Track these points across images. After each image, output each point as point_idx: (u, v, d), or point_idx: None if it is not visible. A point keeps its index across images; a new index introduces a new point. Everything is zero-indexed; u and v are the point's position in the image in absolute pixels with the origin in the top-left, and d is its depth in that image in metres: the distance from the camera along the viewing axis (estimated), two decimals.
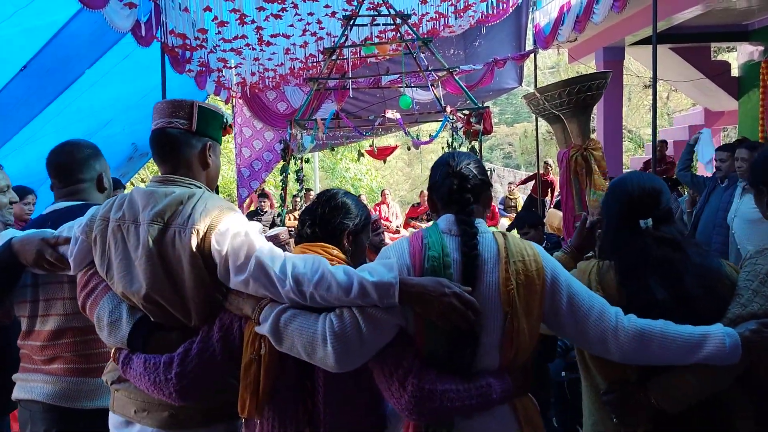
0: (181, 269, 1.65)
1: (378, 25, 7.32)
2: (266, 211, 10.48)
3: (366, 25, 7.18)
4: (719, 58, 12.71)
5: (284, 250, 1.71)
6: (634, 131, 23.60)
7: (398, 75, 7.41)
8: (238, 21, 7.02)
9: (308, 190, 11.55)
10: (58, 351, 2.11)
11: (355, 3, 6.87)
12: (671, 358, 1.60)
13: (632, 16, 9.13)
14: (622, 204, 1.80)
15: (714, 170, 5.54)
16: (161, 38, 6.29)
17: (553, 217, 9.42)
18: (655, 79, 7.30)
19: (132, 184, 16.44)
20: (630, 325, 1.60)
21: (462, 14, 8.74)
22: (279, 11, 7.01)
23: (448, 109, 6.40)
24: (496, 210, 12.04)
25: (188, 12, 6.85)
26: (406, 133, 6.76)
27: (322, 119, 6.26)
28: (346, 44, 6.73)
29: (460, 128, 6.35)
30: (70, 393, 2.08)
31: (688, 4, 8.06)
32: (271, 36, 7.70)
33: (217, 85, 9.74)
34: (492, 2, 8.75)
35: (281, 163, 6.73)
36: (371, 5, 6.88)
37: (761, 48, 10.29)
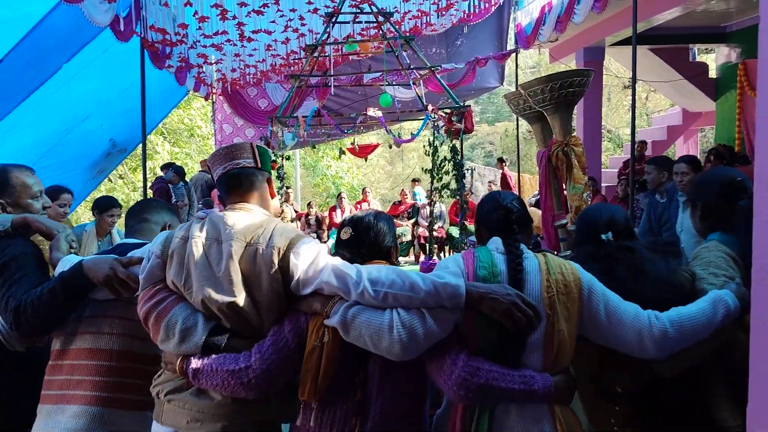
0: (260, 283, 1.82)
1: (360, 22, 7.30)
2: None
3: (348, 22, 7.16)
4: (697, 59, 12.88)
5: None
6: (614, 131, 23.87)
7: (380, 73, 7.40)
8: (219, 16, 6.98)
9: (288, 188, 11.52)
10: (86, 373, 2.09)
11: (338, 0, 6.85)
12: (701, 334, 1.78)
13: (612, 17, 9.22)
14: (589, 228, 2.17)
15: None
16: (141, 33, 6.22)
17: (532, 216, 9.47)
18: (634, 79, 7.38)
19: (110, 180, 16.24)
20: (661, 321, 1.77)
21: (444, 13, 8.77)
22: (261, 7, 6.98)
23: (430, 107, 6.41)
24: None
25: (168, 7, 6.78)
26: (387, 131, 6.76)
27: (303, 116, 6.23)
28: (328, 41, 6.71)
29: (442, 127, 6.36)
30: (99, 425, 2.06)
31: (668, 6, 8.16)
32: (253, 32, 7.67)
33: (197, 81, 9.66)
34: (474, 1, 8.79)
35: None
36: (353, 2, 6.86)
37: (739, 50, 10.46)
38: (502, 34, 10.80)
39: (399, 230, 11.59)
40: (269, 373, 1.77)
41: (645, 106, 22.25)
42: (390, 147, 7.86)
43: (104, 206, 4.91)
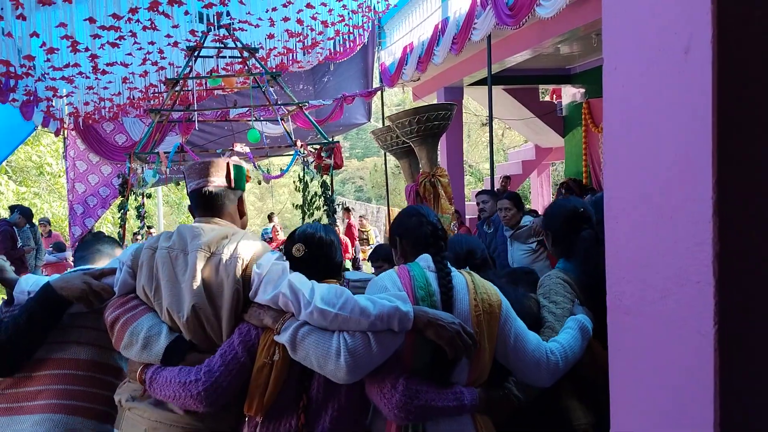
0: (222, 292, 1.84)
1: (224, 57, 7.17)
2: None
3: (212, 57, 7.00)
4: (546, 98, 13.93)
5: None
6: (474, 166, 25.13)
7: (247, 108, 7.28)
8: (70, 48, 6.54)
9: (150, 227, 10.91)
10: (48, 382, 2.01)
11: (200, 34, 6.68)
12: (577, 357, 1.95)
13: (469, 59, 9.76)
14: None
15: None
16: None
17: None
18: (491, 117, 7.83)
19: None
20: (554, 355, 1.90)
21: (310, 50, 8.83)
22: (116, 39, 6.63)
23: (299, 143, 6.38)
24: (347, 243, 12.14)
25: (12, 37, 6.25)
26: (255, 167, 6.63)
27: (165, 152, 5.96)
28: (191, 75, 6.50)
29: (312, 162, 6.35)
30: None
31: (519, 49, 8.77)
32: (107, 64, 7.26)
33: (45, 116, 8.97)
34: (339, 40, 8.94)
35: (120, 199, 6.29)
36: (216, 37, 6.72)
37: (582, 90, 11.44)
38: (368, 72, 11.07)
39: None
40: (218, 386, 1.76)
41: (501, 142, 23.68)
42: (259, 183, 7.70)
43: None
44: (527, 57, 9.22)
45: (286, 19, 7.20)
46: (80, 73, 7.40)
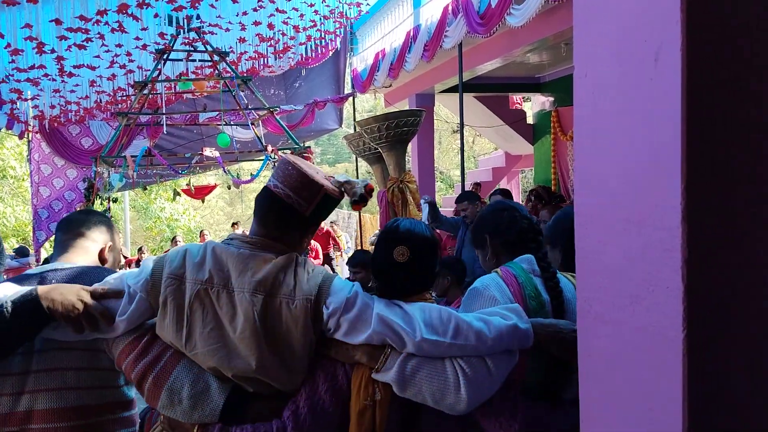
0: (291, 342, 1.54)
1: (194, 60, 7.10)
2: None
3: (181, 60, 6.93)
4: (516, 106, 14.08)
5: None
6: (445, 172, 25.28)
7: (217, 112, 7.21)
8: (36, 50, 6.41)
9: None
10: None
11: (169, 37, 6.60)
12: None
13: (441, 66, 9.82)
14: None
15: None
16: None
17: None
18: (462, 124, 7.88)
19: None
20: None
21: (281, 55, 8.79)
22: (83, 41, 6.51)
23: (270, 148, 6.34)
24: (318, 248, 12.08)
25: None
26: (225, 171, 6.56)
27: (132, 156, 5.86)
28: (160, 78, 6.42)
29: None
30: None
31: (489, 57, 8.86)
32: (74, 67, 7.12)
33: (9, 119, 8.78)
34: (311, 45, 8.92)
35: (86, 203, 6.17)
36: (186, 40, 6.65)
37: (551, 99, 11.59)
38: (340, 78, 11.07)
39: None
40: None
41: (472, 149, 23.87)
42: (229, 188, 7.63)
43: None
44: (498, 65, 9.32)
45: (257, 23, 7.16)
46: (46, 75, 7.25)
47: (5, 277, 1.97)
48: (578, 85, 1.16)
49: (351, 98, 10.76)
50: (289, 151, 6.34)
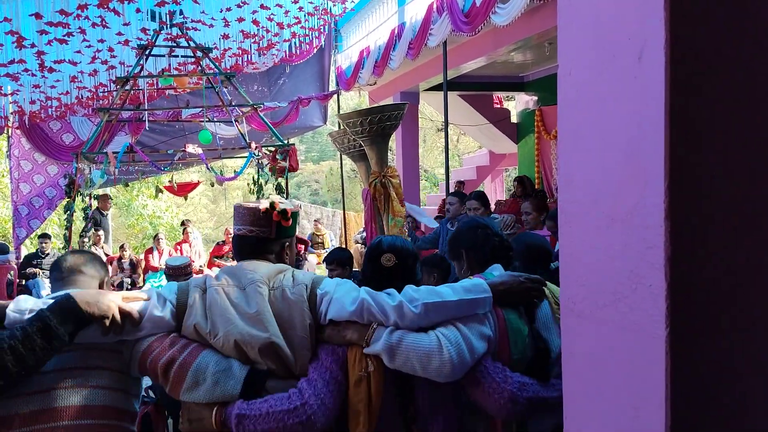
0: (293, 321, 1.81)
1: (177, 56, 7.03)
2: (48, 254, 9.38)
3: (164, 56, 6.86)
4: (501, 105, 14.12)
5: None
6: (430, 171, 25.32)
7: (200, 109, 7.15)
8: (15, 44, 6.31)
9: (97, 229, 10.59)
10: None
11: (151, 33, 6.54)
12: None
13: (425, 64, 9.82)
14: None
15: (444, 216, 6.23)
16: None
17: (357, 253, 9.65)
18: (446, 123, 7.89)
19: None
20: None
21: (265, 52, 8.75)
22: (64, 36, 6.43)
23: (253, 145, 6.30)
24: (301, 246, 12.05)
25: None
26: (208, 168, 6.51)
27: (114, 152, 5.80)
28: (142, 74, 6.35)
29: (266, 165, 6.27)
30: None
31: (474, 56, 8.87)
32: (55, 62, 7.03)
33: None
34: (295, 43, 8.88)
35: (66, 200, 6.09)
36: (169, 36, 6.59)
37: (535, 98, 11.64)
38: (324, 75, 11.04)
39: None
40: (326, 408, 1.72)
41: (456, 148, 23.92)
42: (212, 185, 7.58)
43: None
44: (482, 64, 9.33)
45: (240, 20, 7.11)
46: (26, 70, 7.15)
47: None
48: (562, 83, 1.16)
49: (335, 96, 10.73)
50: (273, 149, 6.30)
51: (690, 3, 0.92)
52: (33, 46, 6.43)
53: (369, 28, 10.96)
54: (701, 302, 0.95)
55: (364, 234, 6.31)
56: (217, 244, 12.47)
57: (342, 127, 5.02)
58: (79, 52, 6.91)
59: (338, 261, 4.54)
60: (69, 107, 9.03)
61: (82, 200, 6.23)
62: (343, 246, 11.56)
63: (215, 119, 7.69)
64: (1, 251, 10.19)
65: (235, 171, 7.34)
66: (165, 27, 6.49)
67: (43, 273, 8.83)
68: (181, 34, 6.56)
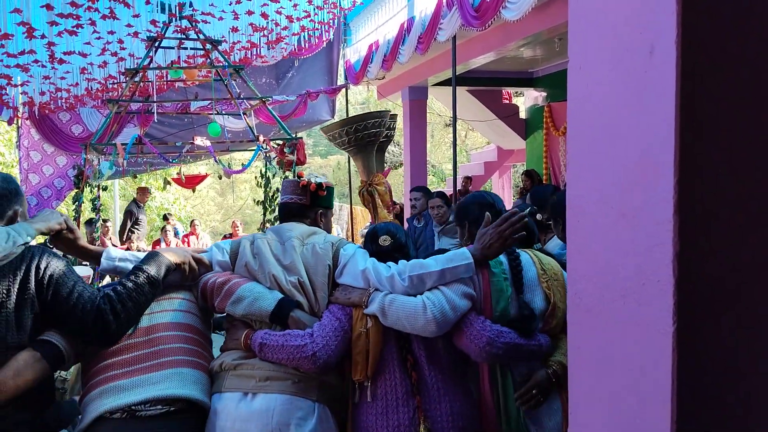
0: (317, 270, 2.26)
1: (186, 48, 7.04)
2: None
3: (173, 48, 6.86)
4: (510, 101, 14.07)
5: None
6: (437, 166, 25.26)
7: (209, 101, 7.16)
8: (26, 35, 6.33)
9: (105, 220, 10.65)
10: (176, 341, 2.14)
11: (161, 25, 6.54)
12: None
13: (434, 59, 9.79)
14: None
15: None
16: None
17: None
18: (455, 118, 7.86)
19: None
20: None
21: (274, 45, 8.74)
22: (74, 27, 6.44)
23: (261, 138, 6.30)
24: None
25: None
26: (216, 161, 6.53)
27: (122, 144, 5.82)
28: (151, 66, 6.36)
29: (274, 158, 6.28)
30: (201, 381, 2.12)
31: (483, 51, 8.83)
32: (65, 53, 7.05)
33: None
34: (304, 36, 8.86)
35: (75, 190, 6.12)
36: (178, 28, 6.59)
37: (544, 94, 11.59)
38: (333, 69, 11.01)
39: None
40: (328, 347, 2.05)
41: (464, 143, 23.85)
42: (220, 178, 7.60)
43: None
44: (491, 59, 9.29)
45: (250, 13, 7.10)
46: (36, 61, 7.17)
47: None
48: (572, 78, 1.16)
49: (344, 90, 10.71)
50: (281, 142, 6.30)
51: None
52: (43, 37, 6.44)
53: (378, 22, 10.93)
54: (709, 298, 0.95)
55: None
56: (224, 236, 12.52)
57: (336, 121, 5.02)
58: (88, 43, 6.92)
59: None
60: (78, 98, 9.05)
61: (91, 191, 6.25)
62: (351, 241, 11.56)
63: (224, 112, 7.69)
64: None
65: (242, 164, 7.35)
66: (174, 19, 6.48)
67: None
68: (190, 26, 6.56)
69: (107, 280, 5.59)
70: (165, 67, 6.90)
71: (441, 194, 5.94)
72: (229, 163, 7.10)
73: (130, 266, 2.18)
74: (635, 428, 1.03)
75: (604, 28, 1.08)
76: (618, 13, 1.05)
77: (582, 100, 1.15)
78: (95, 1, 5.89)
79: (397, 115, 4.91)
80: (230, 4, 6.86)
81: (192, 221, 12.64)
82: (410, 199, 6.36)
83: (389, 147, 5.45)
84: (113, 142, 6.07)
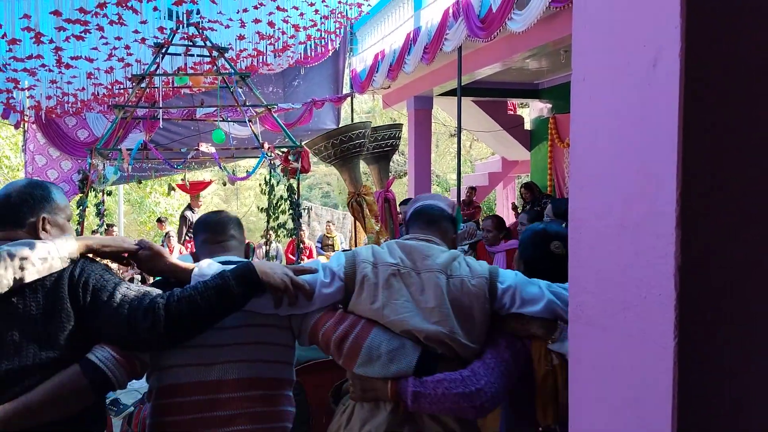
0: (472, 313, 1.84)
1: (192, 55, 7.07)
2: None
3: (180, 54, 6.90)
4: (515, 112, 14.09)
5: None
6: (441, 176, 25.27)
7: (214, 108, 7.19)
8: (33, 40, 6.37)
9: (110, 225, 10.67)
10: (246, 406, 1.84)
11: (168, 32, 6.58)
12: None
13: (440, 69, 9.82)
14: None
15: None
16: None
17: None
18: (459, 128, 7.87)
19: None
20: None
21: (280, 54, 8.77)
22: (81, 32, 6.48)
23: (266, 145, 6.32)
24: (312, 247, 12.07)
25: None
26: (221, 168, 6.54)
27: (128, 149, 5.84)
28: (158, 72, 6.39)
29: (278, 165, 6.29)
30: None
31: (489, 62, 8.85)
32: (72, 58, 7.08)
33: (5, 108, 8.74)
34: (310, 45, 8.90)
35: (79, 195, 6.14)
36: (185, 35, 6.63)
37: (549, 105, 11.60)
38: (338, 78, 11.06)
39: None
40: (497, 397, 1.79)
41: (469, 154, 23.86)
42: (224, 184, 7.62)
43: None
44: (497, 70, 9.31)
45: (257, 21, 7.13)
46: (43, 65, 7.21)
47: None
48: (576, 89, 1.16)
49: (349, 98, 10.74)
50: (285, 150, 6.32)
51: (706, 11, 0.92)
52: (51, 42, 6.48)
53: (384, 32, 10.98)
54: (710, 313, 0.94)
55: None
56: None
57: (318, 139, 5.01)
58: (96, 48, 6.95)
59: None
60: (85, 103, 9.10)
61: (95, 196, 6.26)
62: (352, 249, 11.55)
63: (229, 119, 7.72)
64: None
65: (247, 171, 7.37)
66: (182, 26, 6.52)
67: None
68: (197, 33, 6.59)
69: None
70: (171, 73, 6.93)
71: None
72: (233, 170, 7.11)
73: None
74: None
75: (608, 41, 1.08)
76: (622, 26, 1.05)
77: (585, 112, 1.15)
78: (103, 7, 5.92)
79: (402, 125, 4.91)
80: (237, 12, 6.89)
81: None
82: (400, 212, 6.31)
83: (393, 156, 5.45)
84: (118, 147, 6.10)
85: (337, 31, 8.78)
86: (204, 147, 6.12)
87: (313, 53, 9.33)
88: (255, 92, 6.72)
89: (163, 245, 11.16)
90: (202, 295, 1.71)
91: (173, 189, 7.96)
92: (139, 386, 2.28)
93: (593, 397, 1.13)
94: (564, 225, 2.21)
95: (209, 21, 6.89)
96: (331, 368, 2.28)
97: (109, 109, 8.69)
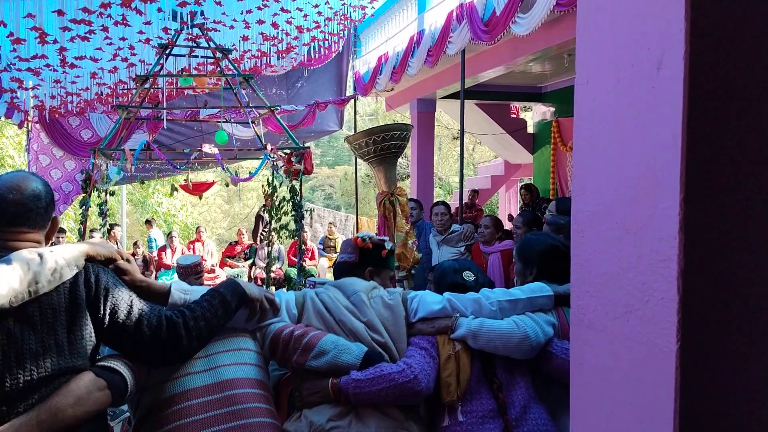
0: (395, 321, 2.24)
1: (196, 56, 7.08)
2: None
3: (184, 55, 6.91)
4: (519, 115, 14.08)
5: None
6: (444, 179, 25.27)
7: (218, 109, 7.20)
8: (38, 40, 6.39)
9: (113, 225, 10.68)
10: (249, 399, 1.96)
11: (172, 32, 6.59)
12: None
13: (443, 72, 9.82)
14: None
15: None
16: None
17: None
18: (462, 131, 7.87)
19: None
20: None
21: (284, 55, 8.79)
22: (86, 33, 6.50)
23: (269, 147, 6.32)
24: (314, 249, 12.07)
25: None
26: (223, 168, 6.55)
27: (131, 150, 5.84)
28: (161, 73, 6.40)
29: (281, 167, 6.29)
30: None
31: (492, 65, 8.85)
32: (76, 58, 7.10)
33: (9, 107, 8.75)
34: (314, 47, 8.91)
35: (82, 195, 6.14)
36: (189, 36, 6.64)
37: (552, 109, 11.59)
38: (342, 80, 11.06)
39: (235, 271, 11.15)
40: (427, 373, 2.05)
41: (472, 157, 23.86)
42: (227, 185, 7.62)
43: None
44: (500, 73, 9.31)
45: (260, 22, 7.15)
46: (47, 65, 7.23)
47: None
48: (579, 92, 1.16)
49: (352, 101, 10.75)
50: (288, 151, 6.32)
51: (710, 14, 0.91)
52: (55, 42, 6.50)
53: (388, 35, 10.99)
54: (713, 317, 0.94)
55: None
56: (230, 244, 12.53)
57: (359, 131, 5.02)
58: (100, 49, 6.97)
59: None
60: (88, 103, 9.12)
61: (98, 196, 6.27)
62: None
63: (232, 120, 7.73)
64: None
65: (250, 172, 7.37)
66: (186, 27, 6.54)
67: None
68: (201, 34, 6.61)
69: None
70: (175, 74, 6.95)
71: (443, 203, 6.13)
72: (236, 171, 7.12)
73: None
74: None
75: (611, 44, 1.08)
76: (626, 29, 1.05)
77: (588, 115, 1.14)
78: (108, 7, 5.94)
79: (413, 126, 4.93)
80: (241, 14, 6.90)
81: (198, 228, 12.65)
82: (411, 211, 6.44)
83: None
84: (122, 147, 6.10)
85: (341, 33, 8.80)
86: (207, 148, 6.13)
87: (316, 55, 9.35)
88: (258, 94, 6.73)
89: (165, 247, 11.18)
90: (212, 314, 1.87)
91: (176, 189, 7.97)
92: None
93: (594, 400, 1.13)
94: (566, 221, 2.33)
95: (213, 22, 6.91)
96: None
97: (113, 110, 8.70)
